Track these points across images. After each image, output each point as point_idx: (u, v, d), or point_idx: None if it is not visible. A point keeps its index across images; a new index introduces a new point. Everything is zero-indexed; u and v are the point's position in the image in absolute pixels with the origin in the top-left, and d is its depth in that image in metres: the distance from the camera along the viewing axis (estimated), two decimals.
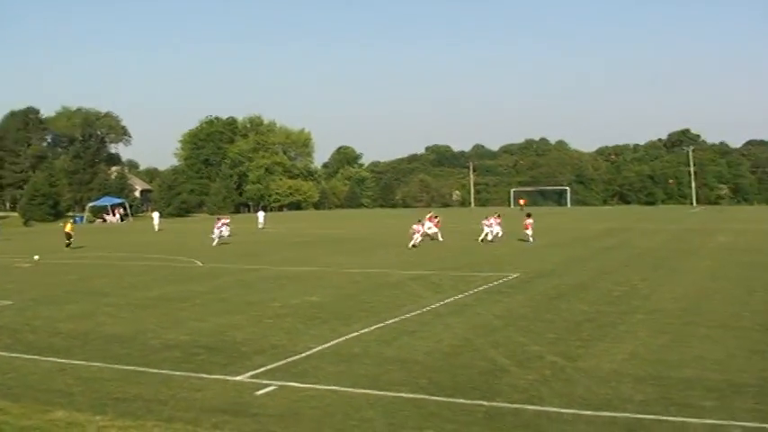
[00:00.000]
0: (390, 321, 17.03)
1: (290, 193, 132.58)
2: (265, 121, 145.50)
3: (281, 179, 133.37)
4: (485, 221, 42.76)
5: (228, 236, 45.84)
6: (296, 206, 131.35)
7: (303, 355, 13.71)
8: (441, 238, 43.34)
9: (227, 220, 47.16)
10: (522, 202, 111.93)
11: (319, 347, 14.32)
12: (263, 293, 22.34)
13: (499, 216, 44.49)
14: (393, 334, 15.61)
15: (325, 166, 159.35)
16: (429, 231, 43.35)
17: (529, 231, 41.80)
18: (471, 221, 58.53)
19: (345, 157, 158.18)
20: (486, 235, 41.86)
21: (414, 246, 38.68)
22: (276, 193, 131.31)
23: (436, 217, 46.23)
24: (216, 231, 44.75)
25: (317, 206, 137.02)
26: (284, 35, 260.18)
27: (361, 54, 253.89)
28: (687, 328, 15.79)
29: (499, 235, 42.38)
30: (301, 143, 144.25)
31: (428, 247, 39.23)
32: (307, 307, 19.47)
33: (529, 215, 43.91)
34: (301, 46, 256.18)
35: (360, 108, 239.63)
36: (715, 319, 16.77)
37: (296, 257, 34.54)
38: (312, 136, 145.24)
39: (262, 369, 12.65)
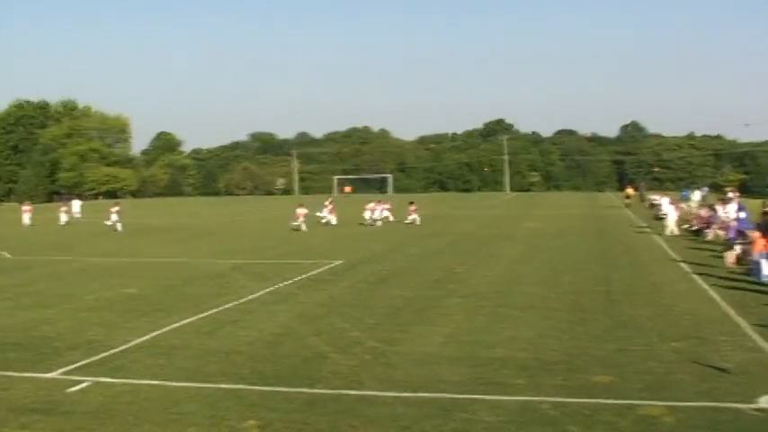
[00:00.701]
0: (212, 312, 16.77)
1: (107, 181, 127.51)
2: (80, 106, 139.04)
3: (97, 166, 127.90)
4: (369, 206, 47.04)
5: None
6: (113, 195, 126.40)
7: (120, 349, 13.26)
8: (334, 222, 45.34)
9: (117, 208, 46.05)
10: (347, 189, 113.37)
11: (137, 341, 13.89)
12: (78, 286, 21.38)
13: (381, 201, 49.18)
14: (214, 324, 15.39)
15: (144, 152, 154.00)
16: (324, 216, 45.88)
17: (414, 216, 46.08)
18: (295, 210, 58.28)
19: (166, 144, 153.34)
20: (374, 221, 45.55)
21: (296, 229, 40.74)
22: (92, 181, 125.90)
23: (331, 203, 48.51)
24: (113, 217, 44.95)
25: (135, 194, 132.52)
26: (100, 17, 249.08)
27: (182, 38, 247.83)
28: (500, 310, 16.51)
29: (390, 219, 47.37)
30: (118, 129, 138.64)
31: (250, 235, 38.92)
32: (124, 299, 18.82)
33: (412, 203, 48.64)
34: (119, 28, 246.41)
35: (181, 94, 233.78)
36: (526, 301, 17.63)
37: (112, 248, 33.29)
38: (130, 121, 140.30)
39: (75, 365, 12.12)
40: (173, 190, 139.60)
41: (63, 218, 52.76)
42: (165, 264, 26.56)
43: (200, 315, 16.38)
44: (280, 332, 14.58)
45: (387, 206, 48.59)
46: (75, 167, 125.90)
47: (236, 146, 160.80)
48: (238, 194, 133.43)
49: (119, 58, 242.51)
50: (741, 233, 24.65)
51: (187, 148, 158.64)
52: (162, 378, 11.32)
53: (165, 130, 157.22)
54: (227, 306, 17.49)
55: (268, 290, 19.88)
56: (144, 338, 14.11)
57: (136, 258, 28.52)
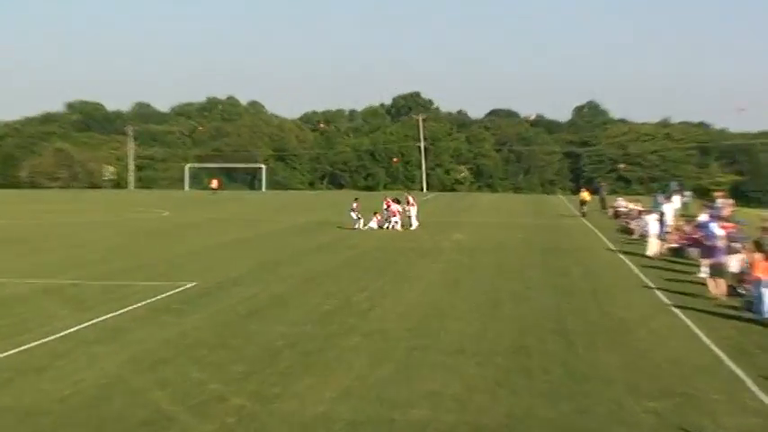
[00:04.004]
0: (9, 353, 16.32)
1: None
2: None
3: None
4: (404, 205, 50.93)
5: None
6: None
7: None
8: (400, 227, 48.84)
9: None
10: (215, 184, 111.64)
11: None
12: None
13: (403, 200, 52.46)
14: (11, 373, 14.96)
15: None
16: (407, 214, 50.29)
17: (413, 212, 50.21)
18: (130, 209, 57.70)
19: None
20: (395, 223, 49.08)
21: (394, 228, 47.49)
22: None
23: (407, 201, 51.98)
24: None
25: None
26: None
27: None
28: (416, 355, 16.55)
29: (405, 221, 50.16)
30: None
31: (66, 245, 38.09)
32: None
33: (398, 200, 51.78)
34: None
35: None
36: (451, 342, 17.72)
37: None
38: None
39: None
40: None
41: None
42: None
43: None
44: (107, 383, 14.26)
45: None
46: None
47: (47, 118, 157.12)
48: (50, 187, 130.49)
49: None
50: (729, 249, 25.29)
51: None
52: None
53: None
54: (28, 346, 17.02)
55: (90, 323, 19.48)
56: None
57: None
